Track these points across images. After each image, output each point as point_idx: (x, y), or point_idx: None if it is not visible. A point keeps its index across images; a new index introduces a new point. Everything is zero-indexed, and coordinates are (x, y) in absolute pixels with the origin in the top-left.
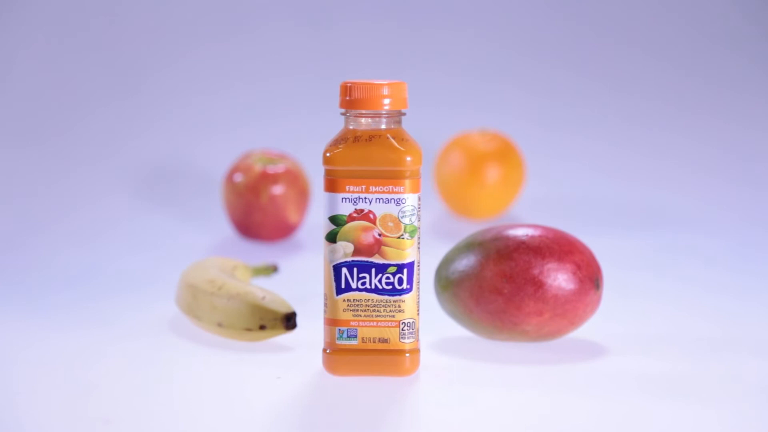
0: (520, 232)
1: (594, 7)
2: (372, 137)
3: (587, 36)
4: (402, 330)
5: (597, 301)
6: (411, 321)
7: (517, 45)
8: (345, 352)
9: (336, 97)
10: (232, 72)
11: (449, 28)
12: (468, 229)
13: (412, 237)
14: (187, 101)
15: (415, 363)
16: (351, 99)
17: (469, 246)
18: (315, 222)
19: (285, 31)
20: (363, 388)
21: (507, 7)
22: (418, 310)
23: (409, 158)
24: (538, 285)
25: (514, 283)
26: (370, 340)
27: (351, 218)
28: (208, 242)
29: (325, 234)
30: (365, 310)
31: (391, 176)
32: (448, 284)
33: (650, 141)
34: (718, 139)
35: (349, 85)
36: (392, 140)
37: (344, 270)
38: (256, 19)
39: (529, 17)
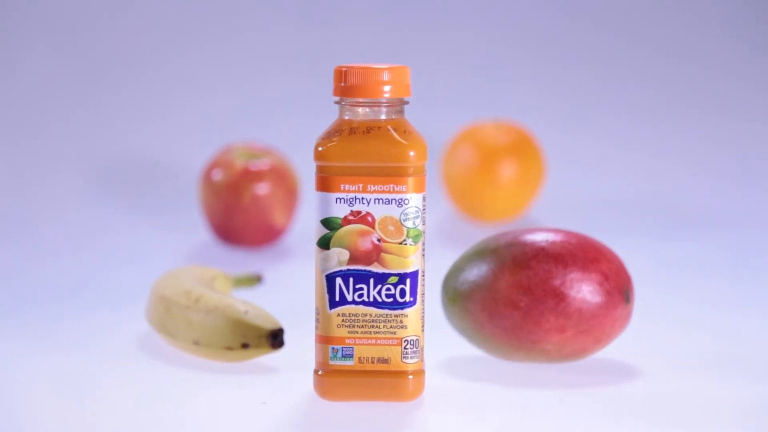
0: (539, 237)
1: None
2: (370, 129)
3: (618, 24)
4: (404, 349)
5: (627, 316)
6: (414, 338)
7: (536, 29)
8: (339, 374)
9: (329, 85)
10: (211, 61)
11: (459, 12)
12: (480, 233)
13: (415, 243)
14: (161, 92)
15: (419, 386)
16: (346, 85)
17: (480, 253)
18: (305, 225)
19: (273, 18)
20: (360, 414)
21: None
22: (422, 326)
23: (412, 153)
24: (559, 298)
25: (533, 295)
26: (368, 360)
27: (346, 221)
28: (183, 248)
29: (317, 239)
30: (362, 326)
31: (392, 173)
32: (456, 296)
33: (686, 137)
34: (758, 140)
35: (344, 69)
36: (393, 132)
37: (338, 280)
38: (241, 8)
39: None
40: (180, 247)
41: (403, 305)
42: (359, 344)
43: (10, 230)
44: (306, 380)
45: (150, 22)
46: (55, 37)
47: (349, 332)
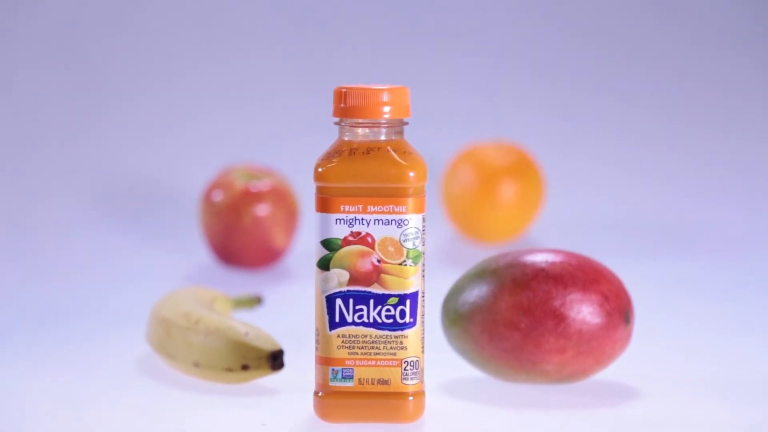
0: (539, 258)
1: (631, 14)
2: (370, 150)
3: (619, 45)
4: (404, 370)
5: (627, 338)
6: (415, 360)
7: (535, 49)
8: (339, 396)
9: (329, 106)
10: (211, 82)
11: (459, 32)
12: (479, 254)
13: (415, 264)
14: (161, 113)
15: (420, 408)
16: (346, 106)
17: (480, 274)
18: (305, 247)
19: (273, 39)
20: None
21: (527, 7)
22: (422, 348)
23: (412, 174)
24: (559, 319)
25: (533, 316)
26: (368, 381)
27: (346, 242)
28: (183, 270)
29: (317, 260)
30: (362, 348)
31: (391, 194)
32: (457, 318)
33: (687, 157)
34: (760, 160)
35: (343, 90)
36: (393, 153)
37: (338, 301)
38: (241, 29)
39: (554, 18)
40: (180, 269)
41: (403, 326)
42: (359, 365)
43: (11, 252)
44: (306, 402)
45: (150, 44)
46: (55, 58)
47: (349, 353)
